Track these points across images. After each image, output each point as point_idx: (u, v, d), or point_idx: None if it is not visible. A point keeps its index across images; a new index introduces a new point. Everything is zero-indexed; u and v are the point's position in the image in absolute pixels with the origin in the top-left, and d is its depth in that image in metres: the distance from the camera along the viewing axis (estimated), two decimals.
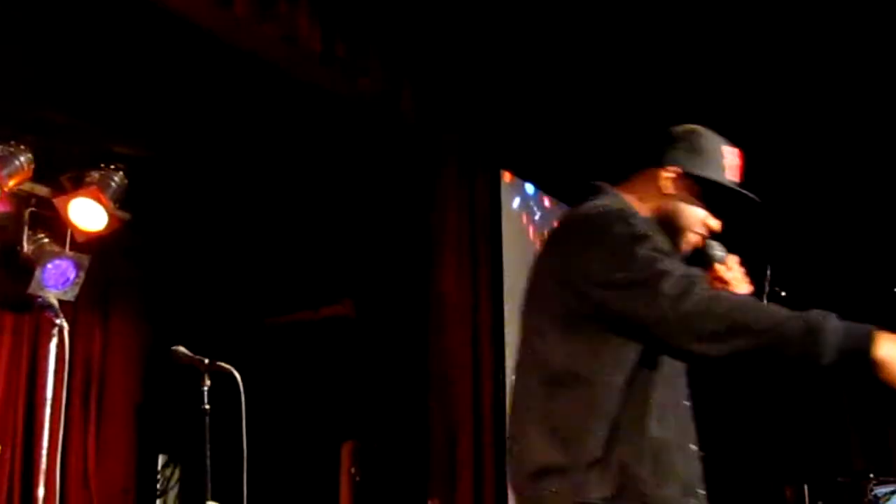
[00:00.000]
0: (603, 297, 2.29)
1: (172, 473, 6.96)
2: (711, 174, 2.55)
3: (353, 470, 6.11)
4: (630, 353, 2.31)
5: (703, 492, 2.43)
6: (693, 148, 2.58)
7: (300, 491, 6.42)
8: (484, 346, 6.07)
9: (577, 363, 2.34)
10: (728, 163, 2.60)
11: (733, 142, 2.65)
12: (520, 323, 2.62)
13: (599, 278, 2.30)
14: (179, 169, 6.21)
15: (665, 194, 2.56)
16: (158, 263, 6.69)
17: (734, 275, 2.65)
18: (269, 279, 6.77)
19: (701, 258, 2.65)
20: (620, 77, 6.12)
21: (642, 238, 2.31)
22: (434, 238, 6.03)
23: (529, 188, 6.80)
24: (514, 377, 2.55)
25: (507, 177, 6.51)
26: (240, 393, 4.11)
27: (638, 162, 2.64)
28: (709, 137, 2.61)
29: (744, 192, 2.56)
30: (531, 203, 6.79)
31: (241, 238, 6.66)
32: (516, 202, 6.62)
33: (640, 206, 2.56)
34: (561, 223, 2.60)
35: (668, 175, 2.55)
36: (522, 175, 6.67)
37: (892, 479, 4.31)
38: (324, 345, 6.62)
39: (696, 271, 2.31)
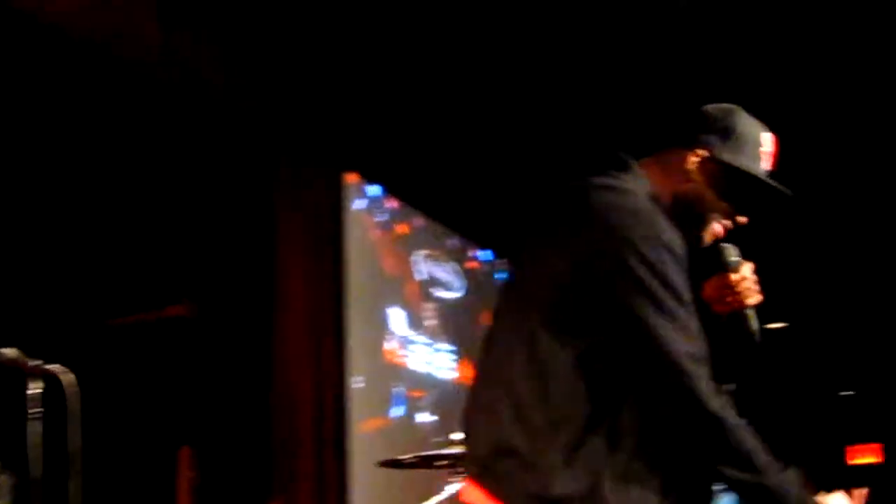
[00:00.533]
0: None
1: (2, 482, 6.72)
2: (744, 162, 2.40)
3: (191, 473, 6.01)
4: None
5: None
6: (727, 131, 2.42)
7: (138, 497, 6.28)
8: (327, 348, 6.10)
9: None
10: (764, 150, 2.45)
11: None
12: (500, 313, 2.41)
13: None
14: (8, 162, 6.01)
15: (690, 178, 2.40)
16: None
17: (747, 284, 2.51)
18: (109, 279, 6.60)
19: (714, 260, 2.53)
20: (464, 78, 6.18)
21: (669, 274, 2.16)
22: (277, 239, 6.00)
23: (374, 189, 6.80)
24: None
25: (351, 178, 6.50)
26: (75, 396, 3.99)
27: (664, 139, 2.47)
28: (746, 121, 2.45)
29: (776, 185, 2.42)
30: (375, 205, 6.80)
31: (80, 237, 6.48)
32: (360, 204, 6.62)
33: (662, 187, 2.39)
34: (575, 205, 2.30)
35: (695, 158, 2.39)
36: (367, 177, 6.68)
37: None
38: (164, 346, 6.49)
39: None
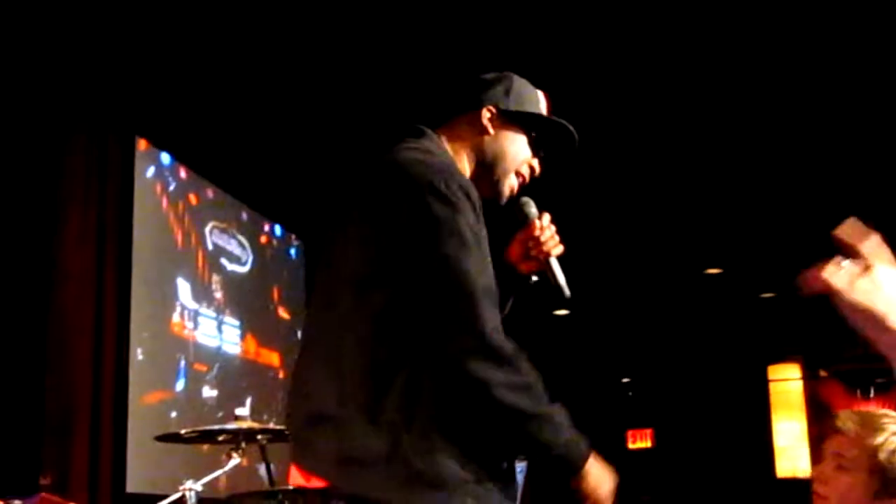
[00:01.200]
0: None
1: None
2: (529, 109, 2.54)
3: None
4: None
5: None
6: (509, 89, 2.55)
7: None
8: (108, 317, 5.96)
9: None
10: (543, 105, 2.58)
11: None
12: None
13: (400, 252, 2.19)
14: None
15: (485, 136, 2.51)
16: None
17: (548, 234, 2.58)
18: None
19: (514, 217, 2.59)
20: (259, 50, 6.10)
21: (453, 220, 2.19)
22: (59, 204, 5.79)
23: (165, 157, 6.61)
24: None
25: (142, 144, 6.32)
26: None
27: (453, 108, 2.56)
28: (521, 81, 2.59)
29: (563, 122, 2.55)
30: (166, 173, 6.61)
31: None
32: (150, 171, 6.43)
33: (459, 149, 2.50)
34: (371, 172, 2.35)
35: (487, 115, 2.50)
36: (158, 144, 6.51)
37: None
38: None
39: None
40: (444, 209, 2.17)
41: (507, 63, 2.78)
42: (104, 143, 6.00)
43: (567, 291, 2.56)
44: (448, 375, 2.13)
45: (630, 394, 15.64)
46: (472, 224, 2.20)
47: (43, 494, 4.21)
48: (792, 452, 14.09)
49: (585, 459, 2.23)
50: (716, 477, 13.31)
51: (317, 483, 2.20)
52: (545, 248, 2.57)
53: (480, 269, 2.18)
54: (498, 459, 2.25)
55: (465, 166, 2.49)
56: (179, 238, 6.67)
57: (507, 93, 2.54)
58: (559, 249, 2.59)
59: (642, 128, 7.49)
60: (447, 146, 2.48)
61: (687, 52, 6.44)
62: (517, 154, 2.52)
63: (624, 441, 15.05)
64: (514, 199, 2.57)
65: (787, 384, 14.78)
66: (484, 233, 2.26)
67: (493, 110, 2.50)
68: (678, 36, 6.28)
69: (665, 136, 7.66)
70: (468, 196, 2.22)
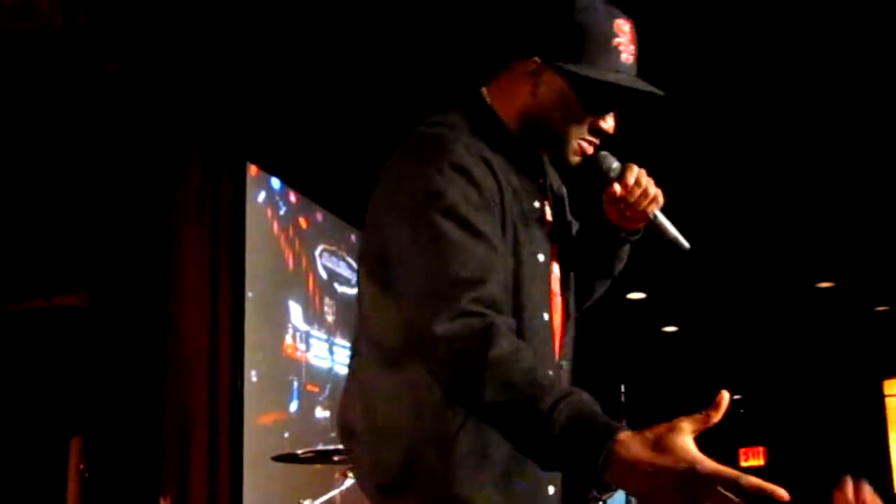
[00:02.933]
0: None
1: None
2: (586, 63, 2.01)
3: (81, 466, 5.91)
4: None
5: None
6: (567, 28, 2.02)
7: (26, 488, 6.15)
8: (223, 340, 6.06)
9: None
10: (619, 42, 2.03)
11: None
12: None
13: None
14: None
15: (529, 93, 2.06)
16: None
17: (637, 192, 2.17)
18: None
19: (592, 173, 2.20)
20: (367, 74, 6.17)
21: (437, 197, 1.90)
22: (174, 228, 5.92)
23: (276, 182, 6.75)
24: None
25: (252, 170, 6.45)
26: None
27: (508, 52, 2.12)
28: (592, 11, 2.03)
29: (629, 84, 2.04)
30: (277, 197, 6.74)
31: None
32: (261, 196, 6.56)
33: (509, 111, 2.11)
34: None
35: (531, 67, 2.04)
36: (268, 169, 6.64)
37: None
38: (56, 335, 6.37)
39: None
40: (423, 203, 1.89)
41: None
42: (217, 169, 6.13)
43: (685, 243, 2.21)
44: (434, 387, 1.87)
45: (742, 411, 15.39)
46: (452, 203, 1.89)
47: None
48: None
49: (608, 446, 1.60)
50: (831, 496, 13.01)
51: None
52: (639, 208, 2.18)
53: (455, 259, 1.85)
54: (534, 486, 1.99)
55: (514, 126, 2.11)
56: (290, 261, 6.79)
57: (564, 35, 2.02)
58: (658, 204, 2.20)
59: (754, 138, 7.40)
60: (494, 104, 2.12)
61: (804, 56, 6.34)
62: (573, 115, 2.06)
63: (736, 459, 14.81)
64: (588, 158, 2.15)
65: None
66: (510, 205, 1.98)
67: (539, 61, 2.04)
68: (795, 39, 6.18)
69: (778, 146, 7.55)
70: (467, 173, 1.92)
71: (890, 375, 14.37)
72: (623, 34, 2.05)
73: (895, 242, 9.41)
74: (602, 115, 2.09)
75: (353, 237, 7.71)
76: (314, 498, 3.99)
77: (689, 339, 13.09)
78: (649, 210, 2.19)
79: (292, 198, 6.86)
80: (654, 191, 2.19)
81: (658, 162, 2.44)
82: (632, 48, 2.07)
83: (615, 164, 2.20)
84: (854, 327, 12.94)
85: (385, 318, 2.01)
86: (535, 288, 2.08)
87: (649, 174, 2.22)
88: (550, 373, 1.95)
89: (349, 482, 4.11)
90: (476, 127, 2.07)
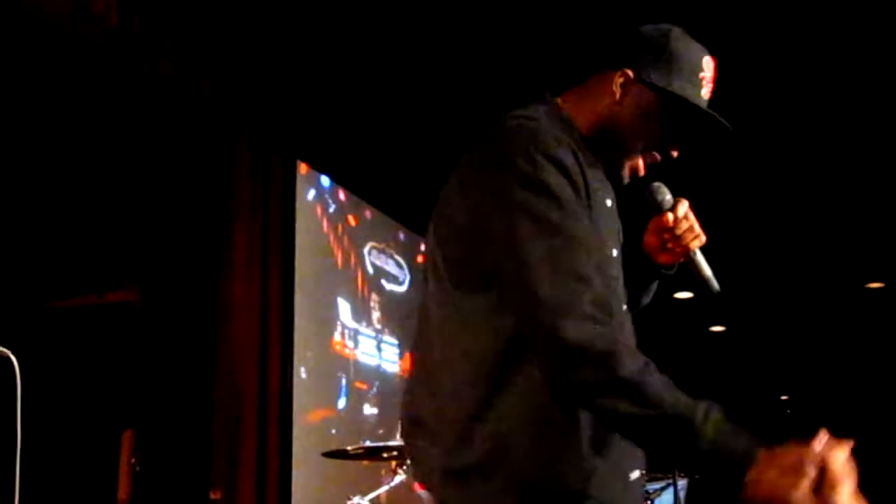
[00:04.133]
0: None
1: None
2: (676, 84, 2.09)
3: (133, 459, 5.98)
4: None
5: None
6: (660, 50, 2.11)
7: (78, 481, 6.24)
8: (272, 337, 6.10)
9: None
10: (703, 76, 2.14)
11: None
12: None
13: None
14: None
15: (613, 103, 2.11)
16: None
17: (686, 225, 2.25)
18: (52, 261, 6.54)
19: (645, 202, 2.27)
20: (418, 74, 6.18)
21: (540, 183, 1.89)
22: (225, 225, 5.97)
23: (325, 180, 6.78)
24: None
25: (302, 168, 6.49)
26: (15, 378, 3.94)
27: (592, 65, 2.19)
28: (684, 41, 2.14)
29: (711, 112, 2.11)
30: (326, 195, 6.78)
31: (22, 217, 6.41)
32: (311, 194, 6.61)
33: (584, 114, 2.14)
34: (470, 151, 2.10)
35: (620, 79, 2.10)
36: (318, 167, 6.68)
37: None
38: (107, 331, 6.45)
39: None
40: (521, 192, 1.88)
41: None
42: (268, 167, 6.17)
43: (716, 285, 2.26)
44: (547, 382, 1.85)
45: (789, 411, 15.29)
46: (560, 192, 1.89)
47: None
48: None
49: (754, 454, 1.74)
50: (883, 500, 12.90)
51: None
52: (683, 242, 2.25)
53: (562, 253, 1.85)
54: (620, 470, 1.99)
55: (586, 130, 2.13)
56: (339, 259, 6.83)
57: (658, 56, 2.10)
58: (700, 242, 2.26)
59: (803, 136, 7.35)
60: (565, 108, 2.14)
61: (850, 54, 6.30)
62: (646, 130, 2.11)
63: None
64: (645, 180, 2.21)
65: None
66: (593, 198, 1.98)
67: (631, 75, 2.10)
68: (839, 40, 6.14)
69: (826, 145, 7.50)
70: (555, 161, 1.92)
71: None
72: (708, 70, 2.16)
73: None
74: (675, 138, 2.14)
75: (401, 235, 7.74)
76: (363, 495, 4.01)
77: (738, 339, 13.01)
78: (693, 245, 2.27)
79: (341, 196, 6.90)
80: (697, 229, 2.28)
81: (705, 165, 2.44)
82: (711, 86, 2.16)
83: (668, 197, 2.28)
84: None
85: (474, 307, 1.97)
86: (618, 282, 2.12)
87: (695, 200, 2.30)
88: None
89: (399, 479, 4.13)
90: (555, 124, 2.08)
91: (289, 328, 6.22)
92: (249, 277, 6.01)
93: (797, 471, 1.72)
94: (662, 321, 10.99)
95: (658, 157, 2.15)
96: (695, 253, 2.28)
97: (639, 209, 2.29)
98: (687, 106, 2.10)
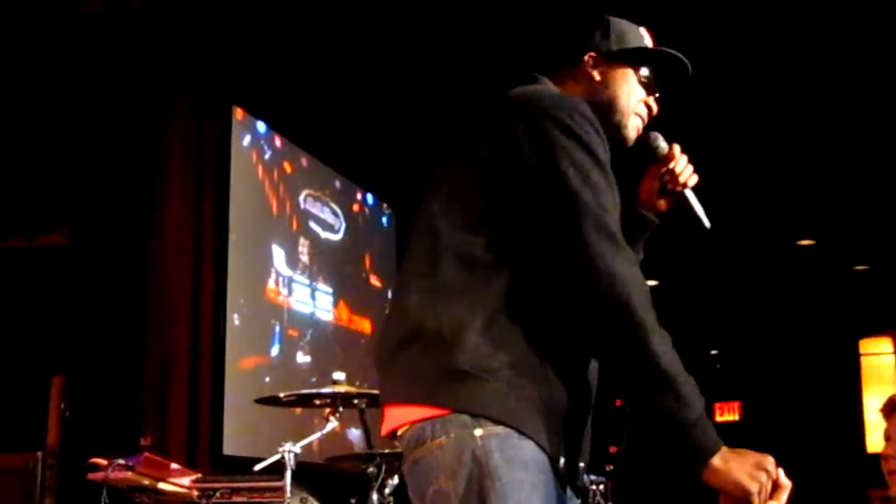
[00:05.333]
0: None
1: None
2: (631, 44, 2.42)
3: (62, 405, 5.92)
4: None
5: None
6: (606, 31, 2.43)
7: (6, 426, 6.17)
8: (206, 281, 6.08)
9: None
10: (647, 40, 2.46)
11: None
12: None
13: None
14: None
15: (594, 84, 2.40)
16: None
17: (682, 163, 2.48)
18: None
19: (643, 152, 2.50)
20: (357, 22, 6.13)
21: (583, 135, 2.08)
22: (158, 170, 5.90)
23: (261, 126, 6.70)
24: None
25: (238, 113, 6.41)
26: None
27: (555, 64, 2.46)
28: (619, 20, 2.48)
29: (671, 51, 2.42)
30: (262, 141, 6.70)
31: None
32: (247, 139, 6.53)
33: (574, 95, 2.33)
34: (485, 109, 2.21)
35: (589, 62, 2.40)
36: (254, 112, 6.60)
37: None
38: (37, 274, 6.36)
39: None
40: (569, 142, 2.06)
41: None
42: (203, 111, 6.10)
43: (707, 222, 2.49)
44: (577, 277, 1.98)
45: (718, 366, 15.51)
46: (597, 150, 2.09)
47: (146, 454, 4.33)
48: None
49: (721, 444, 1.96)
50: (805, 451, 13.18)
51: (408, 413, 2.01)
52: (682, 180, 2.48)
53: (601, 203, 2.02)
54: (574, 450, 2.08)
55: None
56: (274, 206, 6.78)
57: (606, 35, 2.43)
58: (695, 179, 2.50)
59: (736, 94, 7.40)
60: (560, 88, 2.36)
61: (789, 26, 6.35)
62: (630, 94, 2.40)
63: (711, 414, 14.93)
64: (640, 137, 2.46)
65: (879, 358, 14.54)
66: (612, 177, 2.13)
67: (595, 55, 2.40)
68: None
69: (759, 103, 7.56)
70: (592, 123, 2.12)
71: (866, 335, 14.50)
72: (648, 36, 2.47)
73: (876, 202, 9.45)
74: (652, 84, 2.43)
75: (337, 183, 7.69)
76: (294, 441, 4.00)
77: (669, 294, 13.14)
78: (689, 182, 2.48)
79: (277, 142, 6.83)
80: (691, 168, 2.49)
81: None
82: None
83: (663, 143, 2.49)
84: (833, 286, 13.01)
85: (480, 243, 2.05)
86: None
87: None
88: None
89: (331, 426, 4.13)
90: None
91: (222, 275, 6.18)
92: (183, 222, 5.95)
93: (760, 467, 1.96)
94: None
95: (643, 115, 2.41)
96: (688, 192, 2.49)
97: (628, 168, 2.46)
98: (648, 53, 2.42)
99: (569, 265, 2.01)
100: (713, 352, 15.56)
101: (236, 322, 6.26)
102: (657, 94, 2.45)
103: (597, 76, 2.40)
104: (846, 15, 6.30)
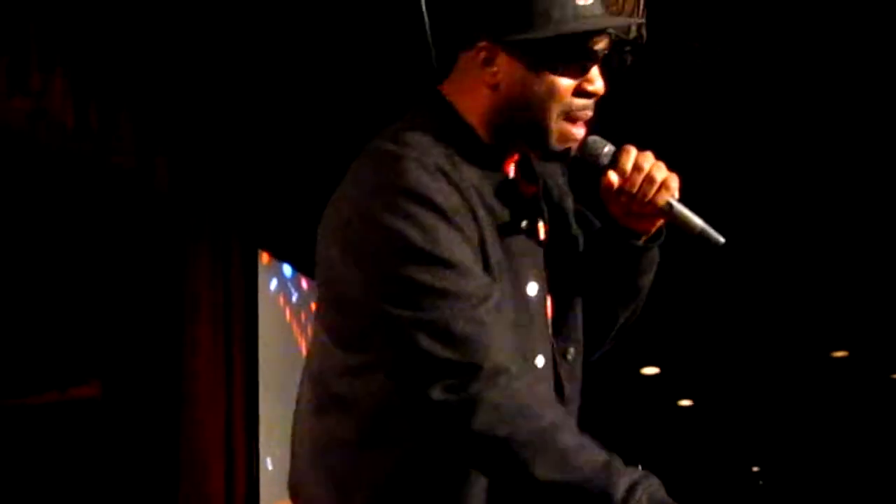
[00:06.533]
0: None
1: None
2: (544, 22, 1.70)
3: None
4: None
5: None
6: (505, 3, 1.74)
7: None
8: (237, 427, 6.05)
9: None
10: None
11: None
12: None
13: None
14: None
15: (489, 87, 1.76)
16: None
17: (639, 178, 1.79)
18: (11, 358, 6.48)
19: (585, 164, 1.84)
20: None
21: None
22: (187, 318, 5.94)
23: (287, 269, 6.78)
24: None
25: (264, 258, 6.49)
26: None
27: (450, 51, 1.85)
28: None
29: (593, 27, 1.73)
30: (288, 284, 6.77)
31: None
32: (273, 283, 6.59)
33: (468, 109, 1.80)
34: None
35: (480, 56, 1.75)
36: (280, 256, 6.67)
37: None
38: (70, 428, 6.38)
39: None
40: (395, 222, 1.65)
41: None
42: (228, 258, 6.16)
43: (717, 235, 1.80)
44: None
45: (761, 483, 15.28)
46: (420, 241, 1.65)
47: None
48: None
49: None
50: None
51: None
52: (646, 199, 1.80)
53: (434, 314, 1.62)
54: None
55: (484, 129, 1.79)
56: (303, 347, 6.79)
57: (505, 5, 1.73)
58: (669, 192, 1.80)
59: (761, 197, 7.35)
60: (457, 107, 1.80)
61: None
62: (547, 90, 1.74)
63: None
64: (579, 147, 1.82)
65: None
66: (487, 229, 1.70)
67: (488, 44, 1.74)
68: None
69: (785, 212, 7.52)
70: (431, 203, 1.66)
71: None
72: None
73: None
74: (578, 75, 1.76)
75: None
76: None
77: (706, 413, 13.02)
78: (660, 200, 1.81)
79: (304, 284, 6.88)
80: (661, 175, 1.81)
81: None
82: None
83: (607, 149, 1.84)
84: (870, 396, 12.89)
85: (348, 365, 1.80)
86: (523, 330, 1.80)
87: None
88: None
89: None
90: (442, 133, 1.78)
91: (253, 420, 6.17)
92: (213, 369, 5.96)
93: None
94: (629, 398, 11.02)
95: (578, 113, 1.78)
96: (670, 206, 1.83)
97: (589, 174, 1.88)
98: (568, 38, 1.74)
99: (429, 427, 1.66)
100: (755, 468, 15.34)
101: (269, 467, 6.23)
102: (596, 66, 1.78)
103: (495, 73, 1.75)
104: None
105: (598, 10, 1.75)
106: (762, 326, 9.86)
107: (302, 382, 1.97)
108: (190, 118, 5.77)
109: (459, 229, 1.68)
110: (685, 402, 13.15)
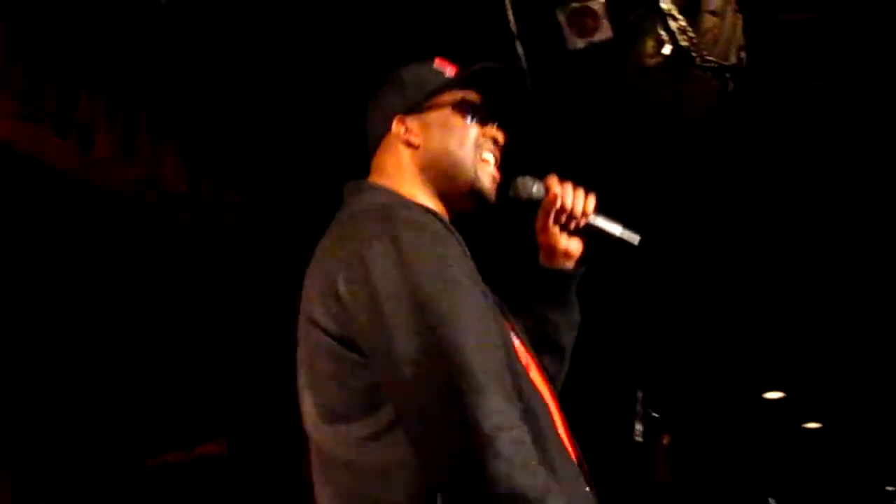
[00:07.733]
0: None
1: None
2: (434, 86, 1.99)
3: None
4: None
5: None
6: (399, 85, 2.03)
7: None
8: None
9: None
10: (447, 71, 2.03)
11: None
12: None
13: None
14: (43, 310, 6.08)
15: (414, 149, 1.98)
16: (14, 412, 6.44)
17: (570, 194, 2.08)
18: (139, 419, 6.61)
19: (519, 203, 2.09)
20: None
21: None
22: None
23: None
24: None
25: None
26: None
27: (368, 148, 2.07)
28: (409, 66, 2.06)
29: (478, 66, 2.00)
30: None
31: (108, 379, 6.51)
32: None
33: (403, 181, 1.97)
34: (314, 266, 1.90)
35: (399, 129, 1.98)
36: None
37: None
38: (198, 485, 6.47)
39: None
40: (377, 295, 1.65)
41: None
42: None
43: (634, 237, 2.08)
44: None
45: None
46: (458, 268, 1.69)
47: None
48: None
49: None
50: None
51: None
52: (579, 211, 2.08)
53: (482, 338, 1.62)
54: None
55: (423, 194, 1.95)
56: None
57: (401, 88, 2.01)
58: (592, 200, 2.10)
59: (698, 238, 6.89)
60: (386, 186, 1.95)
61: None
62: (463, 138, 1.97)
63: None
64: (504, 186, 2.05)
65: None
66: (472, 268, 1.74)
67: (400, 116, 1.98)
68: None
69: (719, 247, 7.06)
70: (417, 229, 1.72)
71: None
72: (445, 65, 2.05)
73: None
74: (487, 116, 2.02)
75: None
76: None
77: (835, 436, 12.69)
78: (589, 209, 2.09)
79: None
80: (582, 191, 2.10)
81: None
82: (450, 66, 2.06)
83: (536, 185, 2.10)
84: None
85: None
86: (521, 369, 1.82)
87: None
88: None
89: None
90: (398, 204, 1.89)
91: None
92: None
93: None
94: (753, 422, 10.75)
95: (492, 154, 2.00)
96: (594, 218, 2.10)
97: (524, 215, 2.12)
98: (454, 82, 2.01)
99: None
100: (889, 488, 14.93)
101: None
102: (495, 121, 2.03)
103: (414, 139, 1.97)
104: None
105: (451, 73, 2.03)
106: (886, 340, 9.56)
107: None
108: (295, 179, 5.85)
109: (466, 258, 1.77)
110: (812, 425, 12.85)
